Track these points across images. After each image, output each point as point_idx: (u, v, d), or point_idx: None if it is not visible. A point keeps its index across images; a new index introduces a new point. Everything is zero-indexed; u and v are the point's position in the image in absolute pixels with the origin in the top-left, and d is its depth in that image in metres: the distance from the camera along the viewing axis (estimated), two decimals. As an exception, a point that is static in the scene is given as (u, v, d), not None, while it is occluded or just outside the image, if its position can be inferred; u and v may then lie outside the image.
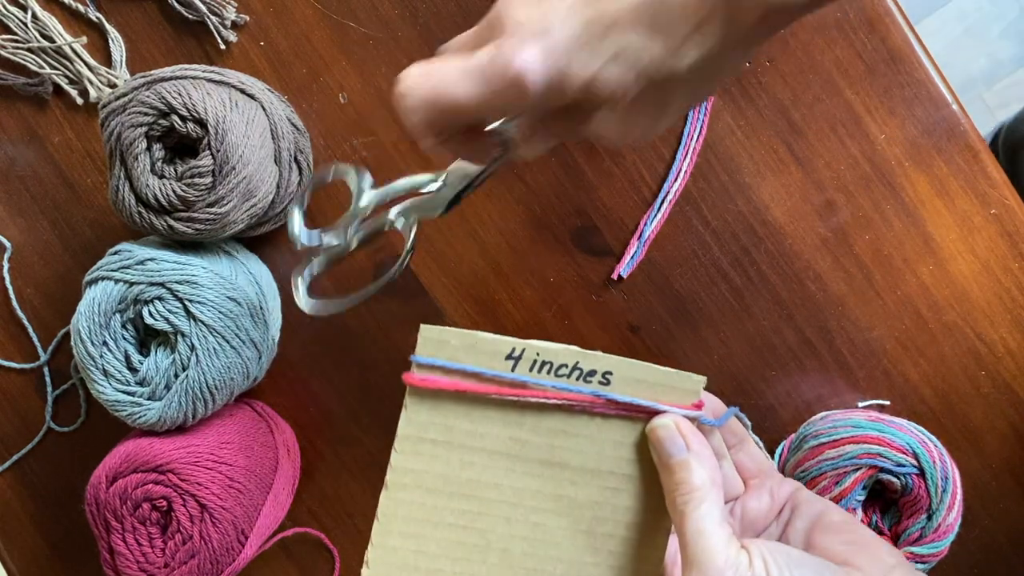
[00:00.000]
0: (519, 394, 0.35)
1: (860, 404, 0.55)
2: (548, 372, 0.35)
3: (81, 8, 0.54)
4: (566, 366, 0.35)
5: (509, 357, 0.35)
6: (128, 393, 0.48)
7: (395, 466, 0.37)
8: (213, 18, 0.53)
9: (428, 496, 0.36)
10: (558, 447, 0.36)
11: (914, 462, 0.49)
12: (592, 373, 0.35)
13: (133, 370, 0.48)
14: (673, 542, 0.38)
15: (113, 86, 0.55)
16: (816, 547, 0.37)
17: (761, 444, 0.55)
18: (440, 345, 0.35)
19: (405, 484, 0.36)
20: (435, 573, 0.37)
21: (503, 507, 0.36)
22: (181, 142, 0.47)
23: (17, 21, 0.54)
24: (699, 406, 0.36)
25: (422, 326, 0.35)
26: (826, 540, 0.37)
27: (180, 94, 0.46)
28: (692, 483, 0.34)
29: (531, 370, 0.35)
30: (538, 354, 0.35)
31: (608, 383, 0.35)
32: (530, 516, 0.37)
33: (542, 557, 0.37)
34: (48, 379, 0.57)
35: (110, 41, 0.54)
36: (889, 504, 0.51)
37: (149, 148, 0.47)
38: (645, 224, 0.54)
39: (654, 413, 0.36)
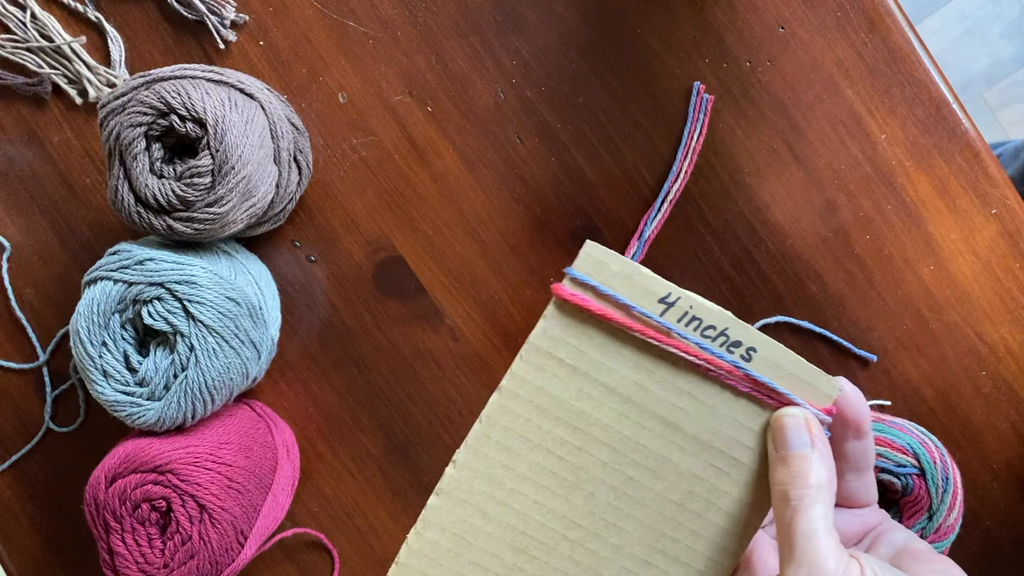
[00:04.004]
0: (662, 340, 0.34)
1: (861, 404, 0.54)
2: (696, 329, 0.34)
3: (80, 8, 0.54)
4: (714, 328, 0.34)
5: (663, 301, 0.34)
6: (127, 393, 0.48)
7: (515, 373, 0.35)
8: (212, 17, 0.53)
9: (536, 414, 0.35)
10: (679, 408, 0.35)
11: (915, 462, 0.49)
12: (737, 344, 0.34)
13: (132, 370, 0.48)
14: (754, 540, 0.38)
15: (112, 86, 0.54)
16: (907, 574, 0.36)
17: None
18: (599, 266, 0.34)
19: (518, 395, 0.35)
20: (516, 494, 0.36)
21: (604, 450, 0.35)
22: (180, 142, 0.47)
23: (16, 21, 0.54)
24: (829, 412, 0.35)
25: (587, 242, 0.34)
26: (916, 568, 0.36)
27: (179, 94, 0.46)
28: (809, 480, 0.33)
29: (679, 320, 0.34)
30: (691, 307, 0.34)
31: (750, 359, 0.34)
32: (628, 468, 0.36)
33: (625, 513, 0.36)
34: (47, 379, 0.57)
35: (109, 41, 0.54)
36: (890, 505, 0.51)
37: (148, 148, 0.46)
38: (645, 224, 0.54)
39: (783, 403, 0.34)
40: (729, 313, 0.34)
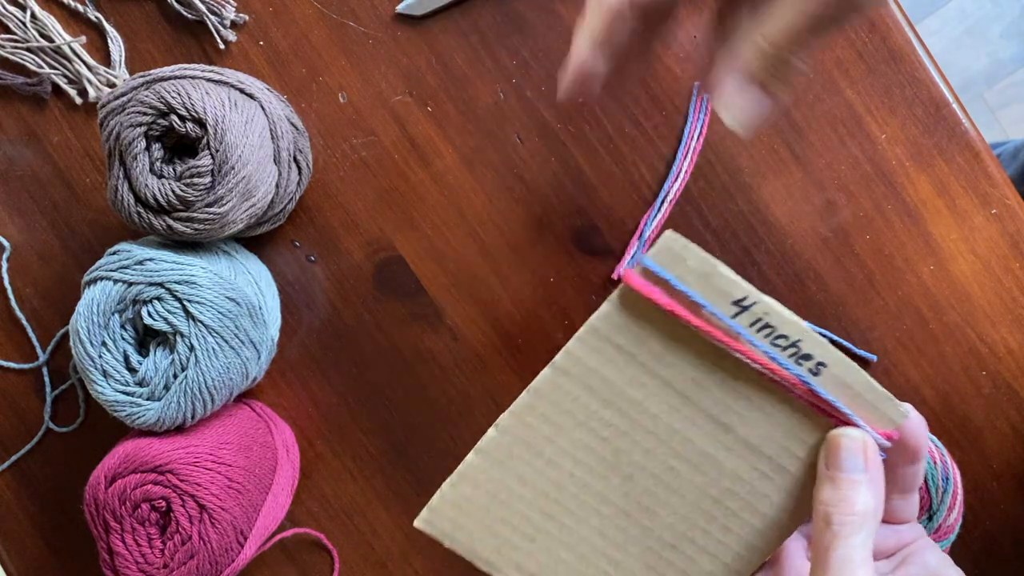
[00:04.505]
0: (728, 344, 0.33)
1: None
2: (767, 336, 0.33)
3: (80, 8, 0.54)
4: (786, 338, 0.33)
5: (737, 303, 0.32)
6: (127, 393, 0.48)
7: (570, 351, 0.35)
8: (212, 17, 0.53)
9: (585, 394, 0.35)
10: (733, 410, 0.34)
11: (915, 463, 0.49)
12: (807, 357, 0.33)
13: (132, 370, 0.48)
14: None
15: (112, 86, 0.54)
16: None
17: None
18: (676, 260, 0.32)
19: (569, 372, 0.35)
20: (555, 465, 0.36)
21: (650, 438, 0.35)
22: (180, 142, 0.47)
23: (16, 21, 0.54)
24: (891, 437, 0.34)
25: (668, 232, 0.32)
26: None
27: (179, 94, 0.46)
28: (855, 507, 0.32)
29: (751, 325, 0.33)
30: (767, 313, 0.33)
31: (818, 374, 0.33)
32: (670, 459, 0.35)
33: (660, 500, 0.36)
34: (47, 379, 0.57)
35: (109, 41, 0.54)
36: (890, 505, 0.51)
37: (148, 148, 0.46)
38: (645, 224, 0.54)
39: (844, 422, 0.34)
40: (805, 324, 0.33)
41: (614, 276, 0.54)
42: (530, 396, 0.36)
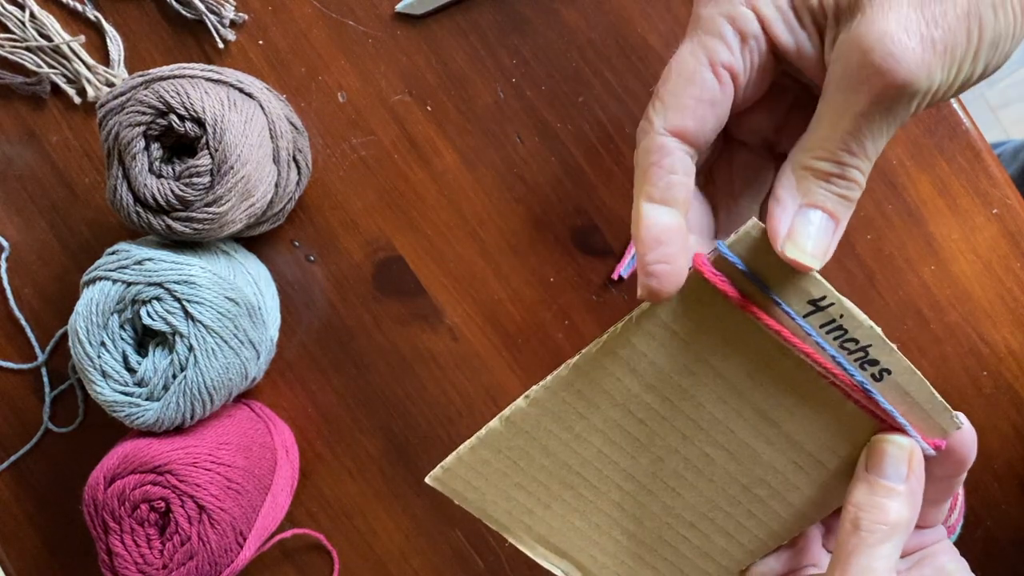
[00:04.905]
0: (795, 344, 0.32)
1: (861, 405, 0.54)
2: (837, 338, 0.32)
3: (79, 7, 0.54)
4: (856, 342, 0.31)
5: (812, 302, 0.31)
6: (126, 394, 0.48)
7: (620, 332, 0.33)
8: (211, 17, 0.53)
9: (628, 376, 0.34)
10: (782, 407, 0.33)
11: (916, 463, 0.49)
12: (874, 362, 0.32)
13: (131, 371, 0.48)
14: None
15: (111, 85, 0.54)
16: None
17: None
18: (755, 249, 0.31)
19: (616, 354, 0.34)
20: (584, 441, 0.35)
21: (689, 425, 0.34)
22: (179, 141, 0.47)
23: (15, 20, 0.54)
24: (938, 446, 0.33)
25: (753, 220, 0.31)
26: None
27: (178, 93, 0.45)
28: (888, 515, 0.31)
29: (823, 326, 0.31)
30: (841, 316, 0.31)
31: (880, 380, 0.32)
32: (707, 446, 0.35)
33: (688, 482, 0.35)
34: (46, 379, 0.57)
35: (108, 40, 0.54)
36: (891, 505, 0.51)
37: (147, 147, 0.46)
38: (645, 224, 0.53)
39: (894, 427, 0.33)
40: (878, 330, 0.32)
41: (614, 276, 0.54)
42: (569, 372, 0.35)
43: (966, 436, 0.34)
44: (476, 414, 0.56)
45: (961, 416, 0.33)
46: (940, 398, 0.33)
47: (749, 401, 0.34)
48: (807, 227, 0.31)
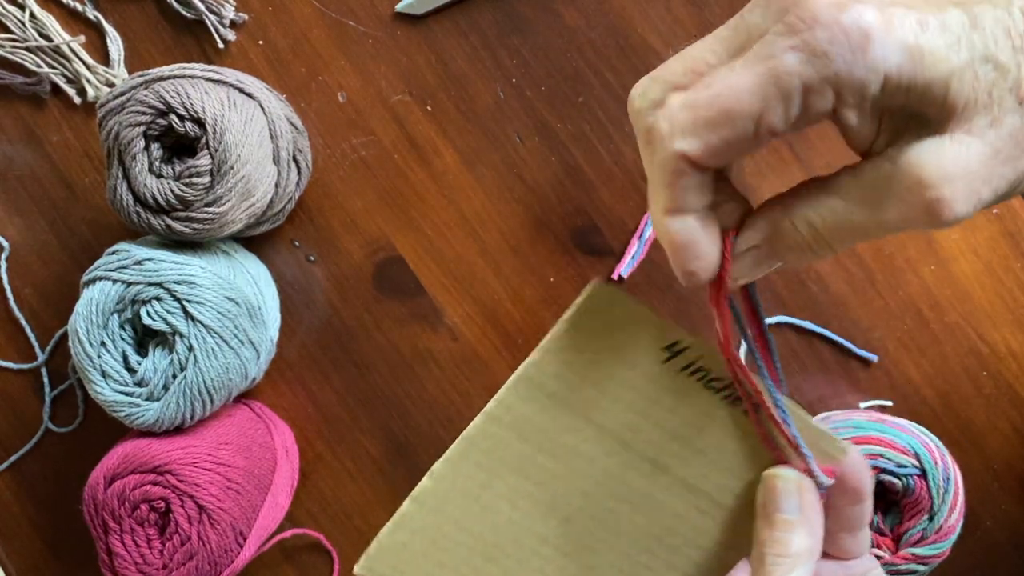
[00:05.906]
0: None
1: (862, 405, 0.54)
2: (700, 379, 0.33)
3: (79, 7, 0.54)
4: (721, 380, 0.33)
5: (668, 348, 0.33)
6: (126, 394, 0.48)
7: (501, 399, 0.35)
8: (211, 17, 0.53)
9: (518, 440, 0.35)
10: (669, 451, 0.34)
11: (916, 463, 0.49)
12: (745, 397, 0.33)
13: (131, 371, 0.48)
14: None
15: (111, 85, 0.54)
16: None
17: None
18: (601, 309, 0.33)
19: (502, 420, 0.35)
20: (492, 511, 0.36)
21: (587, 482, 0.35)
22: (179, 141, 0.47)
23: (15, 20, 0.54)
24: (831, 473, 0.33)
25: (594, 281, 0.32)
26: None
27: (178, 93, 0.45)
28: (789, 548, 0.32)
29: (683, 369, 0.33)
30: (701, 357, 0.32)
31: (757, 412, 0.33)
32: (608, 501, 0.35)
33: (602, 540, 0.36)
34: (46, 379, 0.57)
35: (108, 40, 0.54)
36: (890, 505, 0.51)
37: (147, 147, 0.46)
38: (646, 224, 0.54)
39: (781, 460, 0.33)
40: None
41: (614, 276, 0.54)
42: (463, 444, 0.36)
43: (855, 466, 0.34)
44: (476, 414, 0.56)
45: (848, 444, 0.33)
46: (819, 426, 0.33)
47: (636, 451, 0.35)
48: (757, 272, 0.32)
